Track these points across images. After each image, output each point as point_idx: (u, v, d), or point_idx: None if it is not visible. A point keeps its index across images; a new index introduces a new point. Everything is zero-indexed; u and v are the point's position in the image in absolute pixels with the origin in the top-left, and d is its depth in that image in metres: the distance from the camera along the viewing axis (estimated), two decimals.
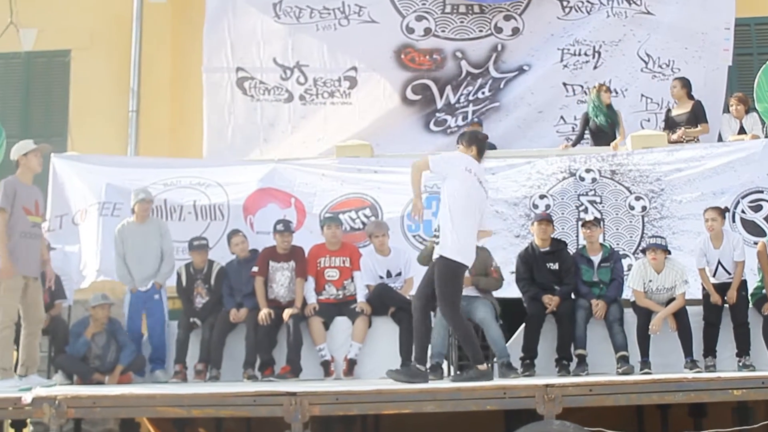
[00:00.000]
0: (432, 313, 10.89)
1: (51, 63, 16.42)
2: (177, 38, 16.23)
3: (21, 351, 9.87)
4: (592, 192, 12.19)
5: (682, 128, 13.40)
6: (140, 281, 11.48)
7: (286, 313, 11.19)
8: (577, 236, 11.87)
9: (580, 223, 11.71)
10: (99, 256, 12.12)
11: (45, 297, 10.70)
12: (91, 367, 11.05)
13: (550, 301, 10.74)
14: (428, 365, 9.95)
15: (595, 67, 14.83)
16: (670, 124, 13.71)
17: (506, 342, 10.70)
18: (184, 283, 11.71)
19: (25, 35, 16.32)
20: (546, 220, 11.08)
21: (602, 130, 13.60)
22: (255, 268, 11.48)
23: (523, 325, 10.92)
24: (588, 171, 12.33)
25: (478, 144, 9.51)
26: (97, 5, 16.17)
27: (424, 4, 15.08)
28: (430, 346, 10.25)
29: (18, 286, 9.71)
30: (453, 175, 9.29)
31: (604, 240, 11.46)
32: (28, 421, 11.19)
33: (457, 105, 15.07)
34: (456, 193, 9.23)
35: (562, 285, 10.92)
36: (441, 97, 15.11)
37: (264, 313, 11.18)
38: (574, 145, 13.65)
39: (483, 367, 9.23)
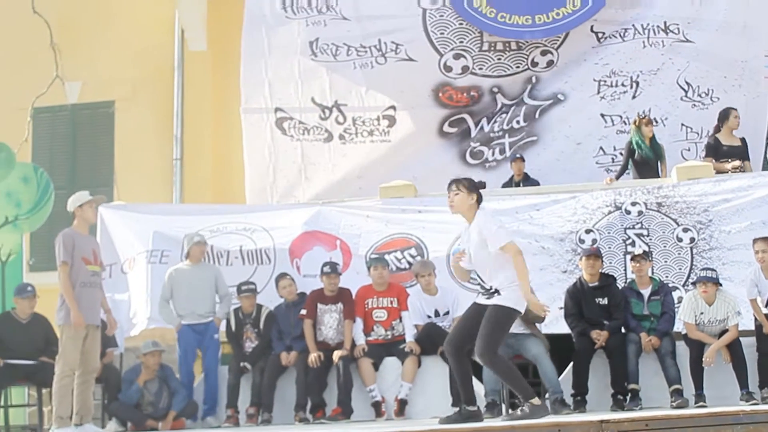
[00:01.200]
0: None
1: (95, 114, 16.61)
2: (218, 85, 16.35)
3: (75, 399, 9.97)
4: (639, 225, 12.12)
5: (738, 161, 13.29)
6: (188, 317, 11.61)
7: (336, 355, 11.22)
8: (624, 270, 11.80)
9: (627, 256, 11.66)
10: (149, 303, 12.19)
11: None
12: (144, 413, 11.13)
13: (599, 336, 10.69)
14: (484, 404, 9.94)
15: (633, 97, 14.79)
16: (720, 154, 13.53)
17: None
18: (233, 327, 11.77)
19: (70, 88, 16.56)
20: (594, 255, 11.04)
21: (647, 162, 13.56)
22: (303, 311, 11.53)
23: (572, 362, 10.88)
24: (634, 204, 12.27)
25: (478, 192, 9.00)
26: (138, 56, 16.35)
27: (461, 42, 15.11)
28: (483, 384, 10.24)
29: (80, 335, 9.87)
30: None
31: (653, 273, 11.39)
32: None
33: (492, 134, 15.08)
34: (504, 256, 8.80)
35: (612, 320, 10.86)
36: (476, 127, 15.15)
37: (314, 356, 11.21)
38: (618, 177, 13.59)
39: (536, 401, 9.03)
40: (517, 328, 10.55)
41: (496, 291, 8.66)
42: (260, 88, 15.35)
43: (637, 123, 13.74)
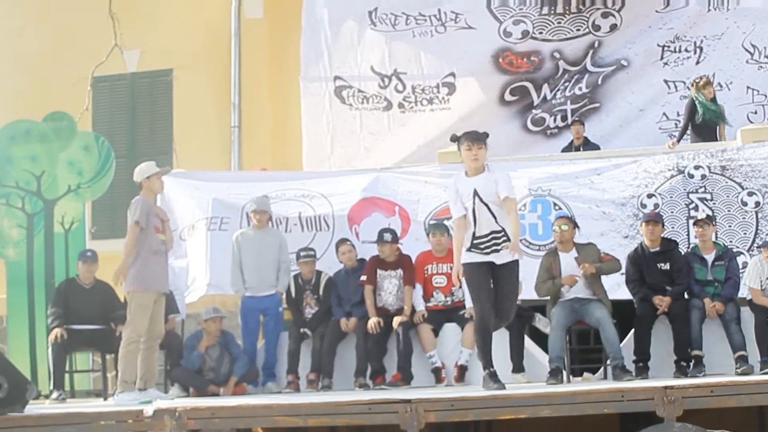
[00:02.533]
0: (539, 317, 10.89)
1: (154, 83, 16.72)
2: (275, 51, 16.39)
3: (140, 365, 10.06)
4: (702, 189, 11.96)
5: None
6: (253, 288, 11.59)
7: (396, 321, 11.21)
8: (687, 235, 11.66)
9: (690, 221, 11.52)
10: (209, 270, 12.26)
11: None
12: (206, 379, 11.21)
13: (661, 302, 10.58)
14: (548, 370, 9.97)
15: (697, 63, 14.65)
16: None
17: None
18: (293, 294, 11.80)
19: (128, 57, 16.67)
20: (654, 220, 10.90)
21: (707, 124, 13.38)
22: (363, 277, 11.52)
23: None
24: (697, 168, 12.09)
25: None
26: (196, 24, 16.41)
27: (521, 8, 15.00)
28: (549, 351, 10.22)
29: (149, 302, 9.96)
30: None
31: (716, 238, 11.23)
32: None
33: (554, 101, 15.01)
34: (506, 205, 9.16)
35: (674, 285, 10.73)
36: (538, 95, 15.04)
37: (373, 321, 11.21)
38: (679, 139, 13.43)
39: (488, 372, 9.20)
40: (583, 292, 10.55)
41: (506, 239, 8.97)
42: (319, 57, 15.45)
43: (696, 85, 13.54)
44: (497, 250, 9.06)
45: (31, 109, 14.79)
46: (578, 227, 10.93)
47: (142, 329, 9.95)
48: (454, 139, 9.39)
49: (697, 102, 13.44)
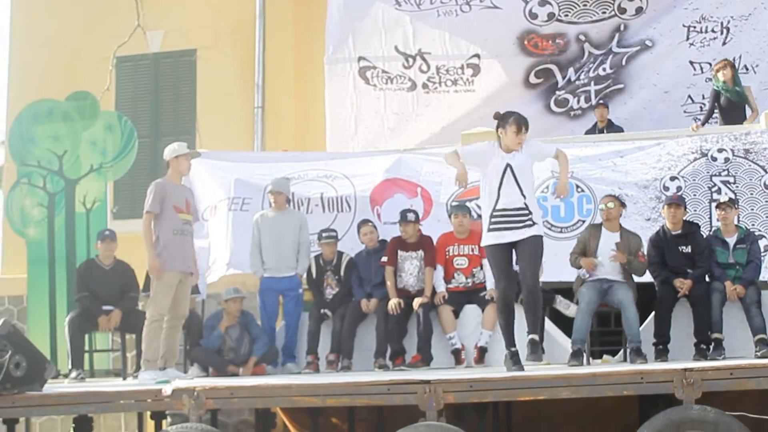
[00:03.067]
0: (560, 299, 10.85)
1: (177, 63, 16.70)
2: (299, 32, 16.34)
3: (162, 344, 10.10)
4: (725, 172, 11.85)
5: None
6: (271, 269, 11.59)
7: (416, 302, 11.20)
8: (710, 218, 11.58)
9: (713, 204, 11.44)
10: (230, 250, 12.27)
11: None
12: (225, 359, 11.23)
13: (682, 284, 10.51)
14: (570, 352, 9.97)
15: (723, 44, 14.49)
16: None
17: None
18: (314, 274, 11.81)
19: (152, 37, 16.65)
20: (676, 203, 10.83)
21: (734, 105, 13.28)
22: (384, 258, 11.51)
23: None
24: (720, 151, 11.99)
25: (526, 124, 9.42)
26: (220, 4, 16.41)
27: None
28: (573, 332, 10.20)
29: (173, 282, 10.02)
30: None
31: (738, 221, 11.16)
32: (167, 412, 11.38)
33: (578, 83, 14.93)
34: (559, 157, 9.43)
35: (695, 268, 10.67)
36: (563, 77, 14.98)
37: (394, 302, 11.20)
38: (703, 123, 13.32)
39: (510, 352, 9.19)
40: (612, 273, 10.54)
41: (531, 216, 9.07)
42: (344, 38, 15.40)
43: (715, 69, 13.46)
44: (518, 228, 9.09)
45: (54, 88, 14.82)
46: (625, 206, 10.89)
47: (164, 308, 10.00)
48: (498, 117, 9.42)
49: (716, 86, 13.35)
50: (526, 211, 9.11)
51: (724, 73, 13.32)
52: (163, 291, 10.00)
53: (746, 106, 13.33)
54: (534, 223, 9.11)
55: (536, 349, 9.16)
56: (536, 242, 9.17)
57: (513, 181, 9.12)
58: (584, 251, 10.63)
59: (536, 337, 9.22)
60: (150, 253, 9.93)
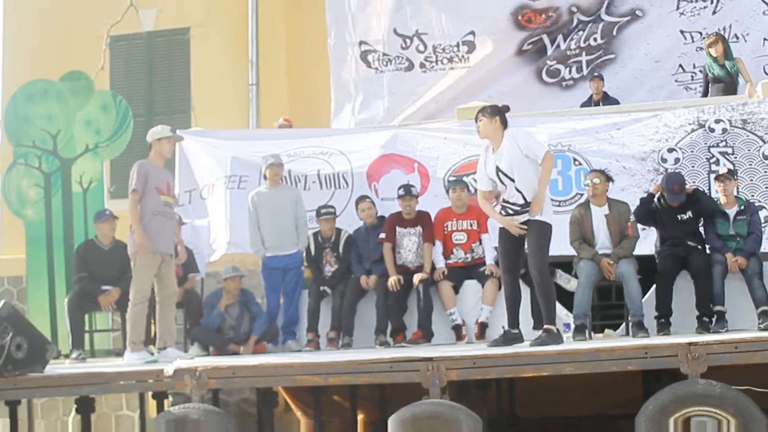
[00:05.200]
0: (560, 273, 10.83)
1: (171, 41, 16.64)
2: (292, 9, 16.31)
3: (157, 325, 10.14)
4: (723, 143, 11.80)
5: None
6: (273, 248, 11.55)
7: (416, 278, 11.18)
8: (708, 189, 11.54)
9: (711, 175, 11.41)
10: (228, 228, 12.21)
11: (178, 271, 10.92)
12: (226, 338, 11.21)
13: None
14: (572, 327, 9.98)
15: (713, 13, 14.52)
16: None
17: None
18: (312, 252, 11.78)
19: (144, 16, 16.59)
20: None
21: (721, 80, 13.25)
22: (382, 235, 11.49)
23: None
24: (718, 122, 11.93)
25: (502, 115, 9.46)
26: None
27: None
28: (574, 307, 10.21)
29: (154, 263, 10.05)
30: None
31: (738, 192, 11.13)
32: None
33: (568, 52, 14.99)
34: (535, 167, 9.29)
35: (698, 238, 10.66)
36: (552, 45, 15.01)
37: (393, 279, 11.18)
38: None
39: (554, 329, 9.23)
40: (611, 248, 10.54)
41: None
42: (344, 22, 15.49)
43: (707, 44, 13.44)
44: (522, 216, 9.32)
45: (48, 68, 14.76)
46: (612, 180, 10.88)
47: (146, 290, 10.04)
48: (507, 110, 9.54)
49: (707, 66, 13.34)
50: (527, 207, 9.27)
51: (716, 48, 13.29)
52: (144, 273, 10.04)
53: (736, 79, 13.28)
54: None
55: (550, 339, 9.15)
56: (539, 228, 9.26)
57: (508, 180, 9.29)
58: (582, 235, 10.62)
59: (552, 327, 9.25)
60: (138, 231, 9.94)
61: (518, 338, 9.38)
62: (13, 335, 8.79)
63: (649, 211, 10.76)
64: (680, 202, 10.65)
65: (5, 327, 8.78)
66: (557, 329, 9.30)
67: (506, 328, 9.53)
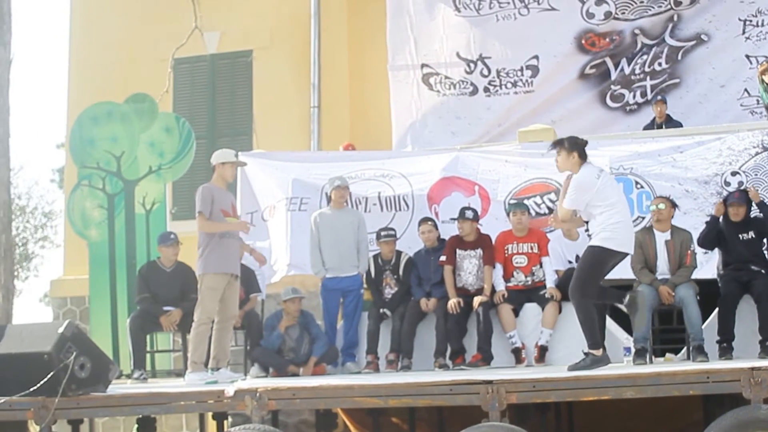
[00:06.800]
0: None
1: (234, 64, 16.80)
2: (354, 32, 16.41)
3: (213, 345, 10.21)
4: None
5: None
6: (334, 269, 11.59)
7: (476, 301, 11.16)
8: None
9: None
10: (289, 250, 12.28)
11: (241, 292, 10.97)
12: (285, 359, 11.25)
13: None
14: (633, 351, 9.90)
15: None
16: None
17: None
18: (373, 274, 11.80)
19: (209, 39, 16.78)
20: (737, 202, 10.71)
21: None
22: (443, 257, 11.48)
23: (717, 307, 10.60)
24: None
25: (580, 149, 9.39)
26: (276, 5, 16.52)
27: None
28: (634, 331, 10.12)
29: (221, 285, 10.11)
30: (594, 196, 9.26)
31: None
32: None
33: (632, 77, 14.97)
34: (602, 199, 9.21)
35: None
36: (616, 69, 14.96)
37: (453, 302, 11.17)
38: None
39: (598, 352, 9.09)
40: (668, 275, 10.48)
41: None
42: (406, 44, 15.69)
43: (760, 71, 13.31)
44: None
45: (113, 91, 14.98)
46: (677, 206, 10.82)
47: (212, 311, 10.09)
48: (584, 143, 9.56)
49: (761, 87, 13.24)
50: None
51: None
52: (210, 294, 10.09)
53: None
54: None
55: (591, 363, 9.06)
56: (587, 252, 9.30)
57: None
58: (644, 260, 10.56)
59: (594, 351, 9.14)
60: (224, 227, 10.16)
61: (602, 360, 9.18)
62: (77, 355, 8.88)
63: (714, 234, 10.67)
64: (742, 213, 10.58)
65: (69, 347, 8.86)
66: (601, 352, 9.17)
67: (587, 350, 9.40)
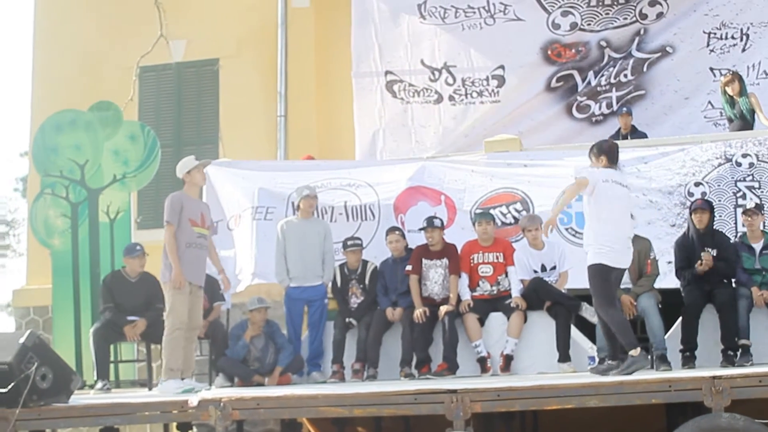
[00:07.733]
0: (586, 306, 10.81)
1: (200, 72, 16.74)
2: (321, 41, 16.38)
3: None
4: (750, 177, 11.78)
5: None
6: (298, 278, 11.58)
7: (442, 311, 11.17)
8: (735, 224, 11.52)
9: (738, 210, 11.38)
10: (254, 259, 12.26)
11: (204, 303, 10.93)
12: (251, 369, 11.21)
13: (707, 260, 10.40)
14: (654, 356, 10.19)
15: (743, 50, 14.50)
16: None
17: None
18: (339, 283, 11.79)
19: (174, 47, 16.70)
20: (701, 208, 10.77)
21: (736, 120, 13.23)
22: (409, 267, 11.49)
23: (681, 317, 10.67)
24: (745, 156, 11.91)
25: (608, 153, 9.52)
26: (242, 13, 16.45)
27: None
28: (597, 340, 10.18)
29: (185, 291, 10.04)
30: (591, 194, 9.37)
31: (764, 227, 11.08)
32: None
33: (598, 88, 14.99)
34: (599, 207, 9.31)
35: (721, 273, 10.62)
36: (583, 81, 15.01)
37: (419, 311, 11.18)
38: None
39: (635, 352, 9.15)
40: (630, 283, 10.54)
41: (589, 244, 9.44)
42: (370, 51, 15.58)
43: (722, 84, 13.42)
44: None
45: (78, 99, 14.90)
46: (632, 216, 10.87)
47: (183, 316, 10.07)
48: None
49: (722, 100, 13.36)
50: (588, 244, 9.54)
51: (732, 87, 13.26)
52: (179, 300, 10.05)
53: (755, 115, 13.23)
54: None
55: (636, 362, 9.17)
56: (588, 272, 9.44)
57: None
58: None
59: (634, 351, 9.23)
60: (175, 266, 9.99)
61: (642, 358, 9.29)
62: (39, 365, 8.80)
63: (685, 253, 10.74)
64: (706, 219, 10.64)
65: (30, 357, 8.79)
66: (641, 351, 9.21)
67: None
